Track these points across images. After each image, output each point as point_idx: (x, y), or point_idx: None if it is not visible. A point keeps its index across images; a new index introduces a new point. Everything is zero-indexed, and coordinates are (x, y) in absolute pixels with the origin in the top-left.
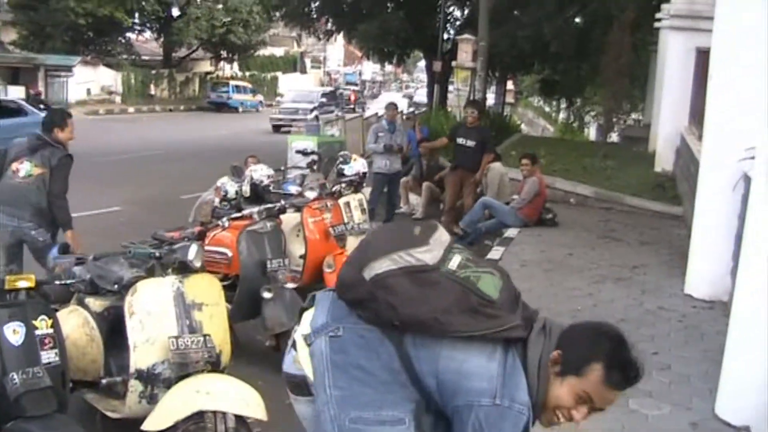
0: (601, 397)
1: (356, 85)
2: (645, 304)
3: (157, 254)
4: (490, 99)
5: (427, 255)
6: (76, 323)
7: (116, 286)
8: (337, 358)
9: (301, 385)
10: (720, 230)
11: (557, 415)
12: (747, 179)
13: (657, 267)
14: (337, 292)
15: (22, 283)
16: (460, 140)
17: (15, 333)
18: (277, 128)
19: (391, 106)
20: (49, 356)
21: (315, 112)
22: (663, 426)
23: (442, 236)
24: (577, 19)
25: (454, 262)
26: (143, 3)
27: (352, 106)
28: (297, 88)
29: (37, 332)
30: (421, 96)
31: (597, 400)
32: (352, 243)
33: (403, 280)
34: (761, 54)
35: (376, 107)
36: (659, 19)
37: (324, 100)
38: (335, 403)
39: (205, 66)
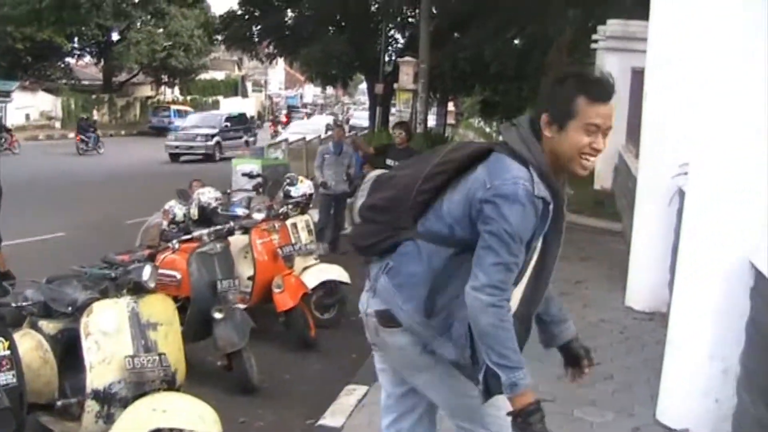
0: (599, 116)
1: (300, 107)
2: (587, 317)
3: (113, 275)
4: (432, 120)
5: None
6: (30, 346)
7: (70, 309)
8: (396, 281)
9: (391, 317)
10: (657, 244)
11: (585, 157)
12: (681, 194)
13: (598, 281)
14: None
15: None
16: (389, 161)
17: None
18: (174, 157)
19: (338, 128)
20: (6, 378)
21: (216, 138)
22: None
23: None
24: (517, 41)
25: None
26: (83, 27)
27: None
28: (202, 114)
29: None
30: (360, 119)
31: (600, 122)
32: (299, 263)
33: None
34: (693, 74)
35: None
36: (596, 41)
37: (227, 124)
38: (413, 313)
39: (146, 90)
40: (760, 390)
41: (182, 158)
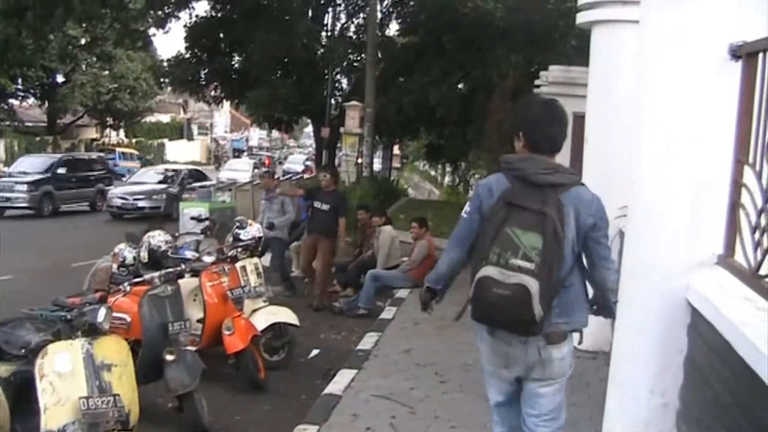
0: None
1: (243, 151)
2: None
3: (69, 317)
4: (377, 164)
5: None
6: None
7: (23, 351)
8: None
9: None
10: None
11: None
12: (622, 235)
13: None
14: None
15: None
16: (316, 204)
17: None
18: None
19: (266, 175)
20: None
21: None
22: None
23: None
24: (461, 86)
25: None
26: (27, 69)
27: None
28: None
29: None
30: (293, 163)
31: None
32: (248, 306)
33: None
34: (630, 119)
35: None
36: (538, 86)
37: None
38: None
39: (91, 132)
40: (697, 422)
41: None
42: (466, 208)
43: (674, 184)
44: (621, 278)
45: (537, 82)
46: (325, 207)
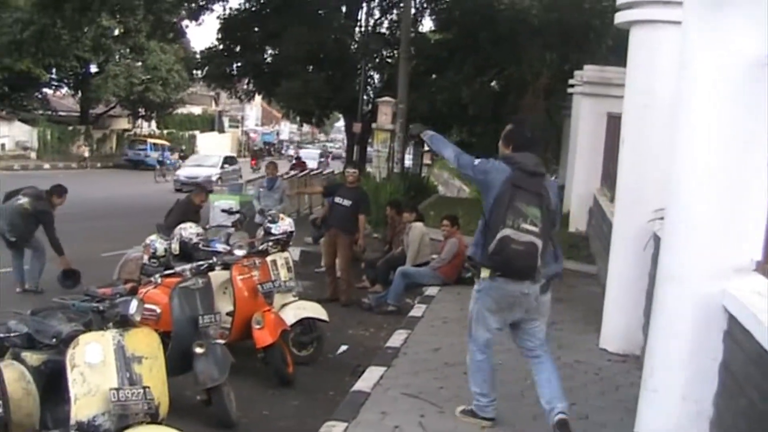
0: None
1: (273, 144)
2: (562, 357)
3: (100, 308)
4: (408, 160)
5: None
6: (12, 377)
7: (54, 340)
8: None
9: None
10: (632, 288)
11: None
12: (656, 239)
13: (573, 323)
14: None
15: None
16: (337, 199)
17: None
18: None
19: (270, 165)
20: None
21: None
22: None
23: None
24: (494, 84)
25: None
26: (61, 59)
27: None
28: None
29: None
30: (307, 158)
31: None
32: (278, 300)
33: None
34: (669, 120)
35: None
36: (572, 85)
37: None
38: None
39: (123, 123)
40: (731, 431)
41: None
42: (476, 161)
43: (712, 188)
44: (656, 283)
45: (571, 81)
46: (347, 203)
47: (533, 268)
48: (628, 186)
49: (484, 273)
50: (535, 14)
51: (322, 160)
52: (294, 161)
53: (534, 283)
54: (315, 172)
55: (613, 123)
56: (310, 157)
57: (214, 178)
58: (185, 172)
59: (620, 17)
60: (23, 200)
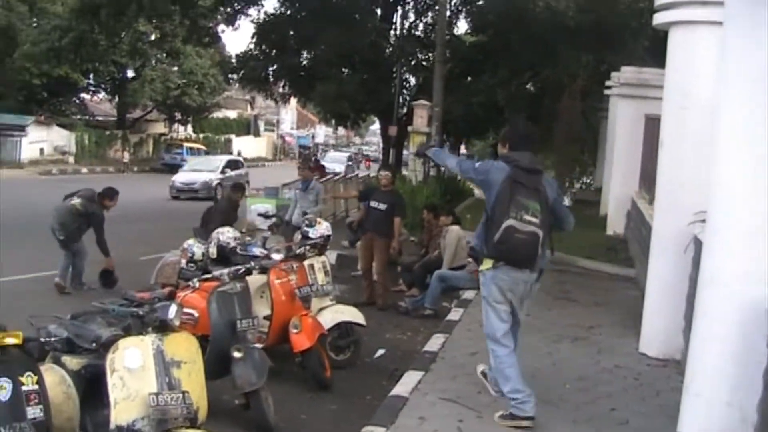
0: None
1: (308, 148)
2: (602, 362)
3: (140, 313)
4: None
5: None
6: (53, 381)
7: (94, 345)
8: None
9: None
10: (672, 291)
11: None
12: (697, 242)
13: (611, 327)
14: None
15: (10, 340)
16: (373, 203)
17: (2, 389)
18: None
19: (304, 166)
20: (34, 412)
21: None
22: None
23: None
24: (529, 86)
25: None
26: (99, 64)
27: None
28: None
29: (23, 388)
30: (333, 161)
31: None
32: (315, 304)
33: None
34: (709, 121)
35: None
36: (609, 87)
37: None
38: None
39: (159, 127)
40: None
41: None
42: (477, 163)
43: (754, 189)
44: (698, 287)
45: (607, 83)
46: (382, 206)
47: (535, 256)
48: (668, 188)
49: (486, 264)
50: (571, 16)
51: (350, 164)
52: (311, 165)
53: (533, 272)
54: (345, 176)
55: (651, 125)
56: (337, 160)
57: (213, 185)
58: (182, 177)
59: (659, 18)
60: (76, 201)
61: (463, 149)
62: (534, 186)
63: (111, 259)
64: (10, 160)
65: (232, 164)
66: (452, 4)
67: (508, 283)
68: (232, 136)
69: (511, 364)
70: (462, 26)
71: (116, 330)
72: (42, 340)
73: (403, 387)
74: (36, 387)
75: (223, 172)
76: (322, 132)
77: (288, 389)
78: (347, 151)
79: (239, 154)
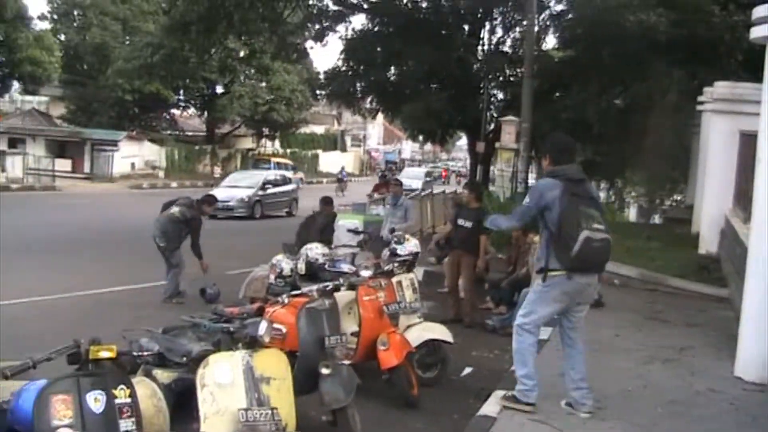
0: None
1: (394, 163)
2: (695, 385)
3: (231, 329)
4: (531, 179)
5: None
6: (144, 394)
7: (185, 359)
8: None
9: None
10: None
11: None
12: None
13: (705, 349)
14: None
15: (104, 353)
16: (459, 221)
17: (96, 401)
18: None
19: (396, 183)
20: (126, 425)
21: None
22: None
23: None
24: (618, 101)
25: None
26: (189, 81)
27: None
28: None
29: (117, 401)
30: (411, 178)
31: None
32: (403, 321)
33: None
34: None
35: None
36: (701, 102)
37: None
38: None
39: (247, 142)
40: None
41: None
42: (527, 200)
43: None
44: None
45: (700, 98)
46: (468, 224)
47: (607, 260)
48: (765, 206)
49: (559, 272)
50: (663, 30)
51: (428, 179)
52: (378, 182)
53: (598, 274)
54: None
55: (747, 141)
56: (415, 176)
57: (252, 202)
58: (219, 194)
59: (756, 32)
60: (175, 209)
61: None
62: (588, 194)
63: (204, 262)
64: (103, 174)
65: (275, 182)
66: (540, 19)
67: (578, 288)
68: (319, 152)
69: (533, 353)
70: (550, 41)
71: (206, 345)
72: (134, 353)
73: (491, 407)
74: (129, 400)
75: (263, 188)
76: (408, 147)
77: (375, 406)
78: (431, 165)
79: (342, 170)
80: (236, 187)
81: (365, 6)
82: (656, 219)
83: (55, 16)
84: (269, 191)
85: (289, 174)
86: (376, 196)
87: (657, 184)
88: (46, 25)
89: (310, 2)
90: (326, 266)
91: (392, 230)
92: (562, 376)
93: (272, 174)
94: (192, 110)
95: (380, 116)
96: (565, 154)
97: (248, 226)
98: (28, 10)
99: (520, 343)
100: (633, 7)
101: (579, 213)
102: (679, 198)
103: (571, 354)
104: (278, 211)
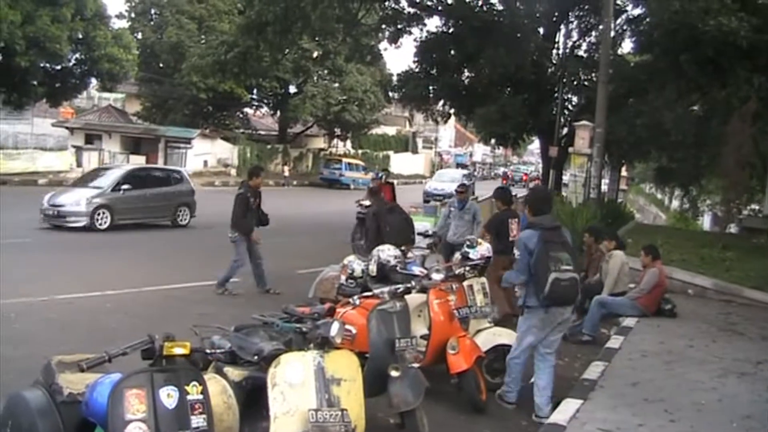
0: None
1: (465, 165)
2: None
3: (303, 329)
4: (604, 185)
5: None
6: (215, 391)
7: (256, 357)
8: None
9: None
10: None
11: None
12: None
13: None
14: None
15: (178, 350)
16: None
17: (169, 397)
18: None
19: (462, 187)
20: (198, 421)
21: None
22: None
23: None
24: (695, 108)
25: None
26: (262, 80)
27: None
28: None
29: (189, 397)
30: (442, 183)
31: None
32: (473, 326)
33: None
34: None
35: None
36: None
37: None
38: None
39: (319, 142)
40: None
41: None
42: (517, 253)
43: None
44: None
45: None
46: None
47: (576, 295)
48: None
49: (535, 307)
50: (744, 35)
51: (467, 183)
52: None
53: (572, 306)
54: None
55: None
56: (450, 179)
57: (90, 209)
58: (60, 197)
59: None
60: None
61: (624, 171)
62: (560, 240)
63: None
64: None
65: (148, 178)
66: (617, 23)
67: (553, 318)
68: (390, 153)
69: (522, 366)
70: (626, 46)
71: (278, 344)
72: (206, 351)
73: (561, 415)
74: (201, 397)
75: (117, 189)
76: (480, 150)
77: (443, 410)
78: (468, 168)
79: (384, 170)
80: (86, 187)
81: (440, 8)
82: (732, 228)
83: (133, 15)
84: (129, 194)
85: (183, 170)
86: (367, 203)
87: (734, 192)
88: (124, 24)
89: (386, 4)
90: (398, 268)
91: (461, 234)
92: (634, 386)
93: (141, 169)
94: (265, 109)
95: (452, 119)
96: (544, 205)
97: (80, 242)
98: (107, 9)
99: (512, 357)
100: (713, 12)
101: (549, 258)
102: (756, 207)
103: (541, 367)
104: (153, 219)
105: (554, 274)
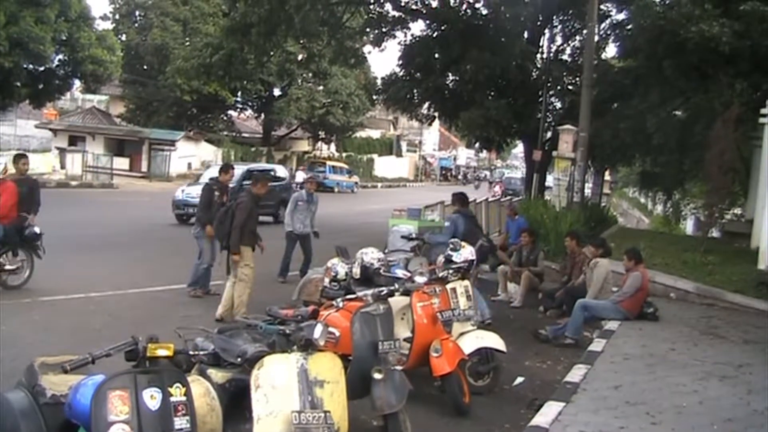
0: None
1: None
2: (752, 404)
3: (287, 331)
4: (587, 189)
5: None
6: (198, 392)
7: (239, 359)
8: None
9: None
10: None
11: None
12: None
13: (763, 366)
14: None
15: (161, 352)
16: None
17: (153, 398)
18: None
19: (311, 179)
20: (181, 423)
21: None
22: None
23: None
24: (678, 112)
25: None
26: (246, 82)
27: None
28: None
29: (172, 399)
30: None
31: None
32: (456, 329)
33: None
34: None
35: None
36: (764, 115)
37: None
38: None
39: (303, 145)
40: None
41: None
42: (446, 224)
43: None
44: None
45: (763, 110)
46: None
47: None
48: None
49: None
50: (726, 41)
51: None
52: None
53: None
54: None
55: None
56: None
57: None
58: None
59: None
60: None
61: (607, 175)
62: (476, 224)
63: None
64: (160, 173)
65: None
66: (601, 28)
67: None
68: (375, 156)
69: None
70: (610, 51)
71: (261, 346)
72: (190, 353)
73: (543, 418)
74: (184, 398)
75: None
76: (464, 154)
77: (426, 413)
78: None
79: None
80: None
81: (425, 12)
82: (714, 232)
83: (117, 17)
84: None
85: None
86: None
87: (716, 197)
88: (108, 25)
89: (371, 7)
90: (381, 271)
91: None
92: (617, 389)
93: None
94: (249, 112)
95: (437, 122)
96: (465, 203)
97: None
98: (91, 11)
99: None
100: (695, 18)
101: (475, 231)
102: (738, 212)
103: None
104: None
105: (480, 241)
